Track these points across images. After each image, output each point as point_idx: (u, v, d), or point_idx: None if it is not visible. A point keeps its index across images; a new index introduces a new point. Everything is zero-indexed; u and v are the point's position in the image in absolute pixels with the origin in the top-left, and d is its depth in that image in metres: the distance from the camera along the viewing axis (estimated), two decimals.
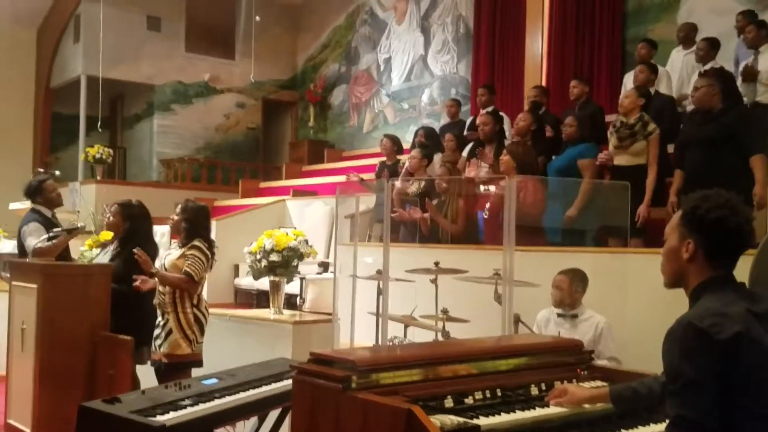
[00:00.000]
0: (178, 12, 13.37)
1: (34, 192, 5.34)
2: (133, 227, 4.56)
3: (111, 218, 4.58)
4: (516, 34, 9.87)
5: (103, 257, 4.69)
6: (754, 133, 4.70)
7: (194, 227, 4.34)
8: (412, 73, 12.17)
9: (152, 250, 4.51)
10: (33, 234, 5.03)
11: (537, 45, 9.31)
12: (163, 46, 13.23)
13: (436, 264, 4.47)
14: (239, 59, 13.94)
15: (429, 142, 7.66)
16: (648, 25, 8.67)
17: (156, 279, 4.24)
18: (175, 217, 4.42)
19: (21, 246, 5.22)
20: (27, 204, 6.90)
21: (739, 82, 6.03)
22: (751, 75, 5.89)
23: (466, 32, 11.08)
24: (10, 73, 13.20)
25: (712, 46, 6.52)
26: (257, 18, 13.07)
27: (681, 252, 1.94)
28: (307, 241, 5.00)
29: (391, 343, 4.30)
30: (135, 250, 4.16)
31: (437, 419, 2.08)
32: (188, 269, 4.16)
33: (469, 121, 8.40)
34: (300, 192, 10.26)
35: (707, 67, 6.40)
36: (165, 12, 13.21)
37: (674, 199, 5.03)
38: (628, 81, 7.21)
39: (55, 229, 4.85)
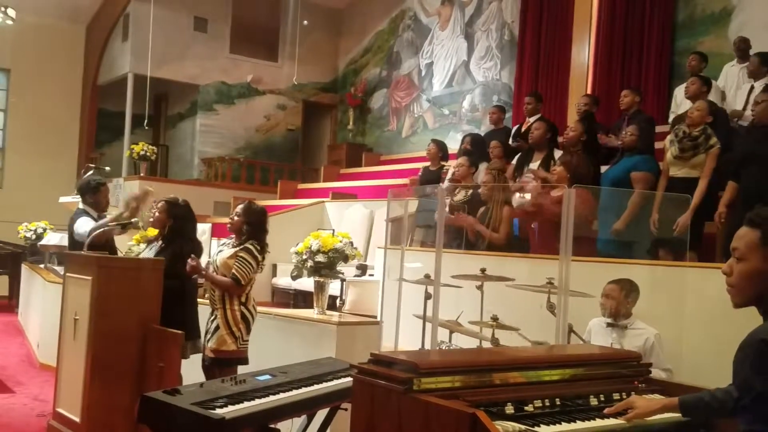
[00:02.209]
0: (224, 14, 13.57)
1: (88, 190, 5.41)
2: (177, 225, 4.62)
3: (157, 214, 4.66)
4: (562, 43, 9.79)
5: (148, 253, 4.76)
6: None
7: (256, 230, 4.40)
8: (453, 78, 12.15)
9: (196, 250, 4.58)
10: (83, 226, 5.14)
11: (584, 54, 9.22)
12: (209, 46, 13.44)
13: (483, 271, 4.47)
14: (282, 61, 14.10)
15: (475, 149, 7.61)
16: (698, 37, 8.55)
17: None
18: (236, 218, 4.46)
19: (71, 242, 5.33)
20: (78, 198, 7.06)
21: None
22: None
23: (511, 39, 11.02)
24: (59, 68, 13.52)
25: (764, 61, 6.43)
26: (305, 22, 13.20)
27: None
28: (352, 243, 5.04)
29: (439, 348, 4.31)
30: (189, 260, 4.26)
31: (499, 425, 2.08)
32: (236, 273, 4.23)
33: (514, 129, 8.32)
34: (339, 194, 10.30)
35: (759, 83, 6.30)
36: (211, 14, 13.43)
37: (723, 210, 4.96)
38: (679, 93, 7.12)
39: (109, 224, 4.96)
